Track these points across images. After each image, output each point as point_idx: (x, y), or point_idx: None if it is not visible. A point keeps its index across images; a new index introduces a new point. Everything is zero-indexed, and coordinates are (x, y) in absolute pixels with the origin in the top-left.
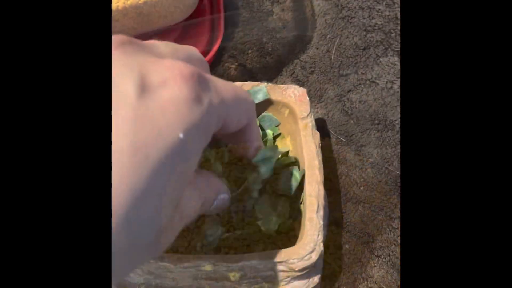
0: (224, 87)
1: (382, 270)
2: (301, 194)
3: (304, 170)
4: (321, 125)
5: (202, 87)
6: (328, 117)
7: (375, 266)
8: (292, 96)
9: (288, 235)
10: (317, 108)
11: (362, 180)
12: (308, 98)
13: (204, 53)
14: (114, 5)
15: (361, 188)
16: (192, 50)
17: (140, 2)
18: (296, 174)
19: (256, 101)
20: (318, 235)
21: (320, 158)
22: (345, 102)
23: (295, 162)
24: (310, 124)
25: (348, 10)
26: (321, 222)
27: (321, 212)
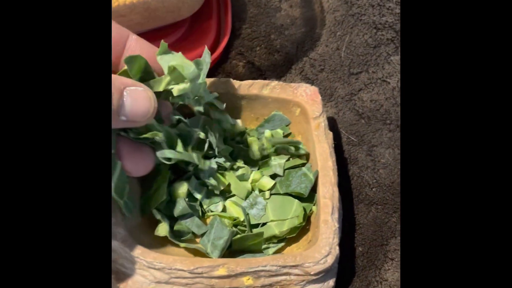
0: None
1: (397, 273)
2: (314, 195)
3: (317, 171)
4: (331, 125)
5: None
6: (338, 116)
7: (389, 269)
8: (303, 95)
9: (301, 237)
10: (327, 107)
11: (374, 181)
12: (320, 97)
13: (211, 50)
14: (121, 0)
15: (374, 189)
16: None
17: None
18: (310, 175)
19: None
20: (334, 238)
21: (334, 158)
22: (356, 101)
23: (306, 156)
24: (323, 124)
25: (358, 7)
26: (336, 225)
27: (336, 215)
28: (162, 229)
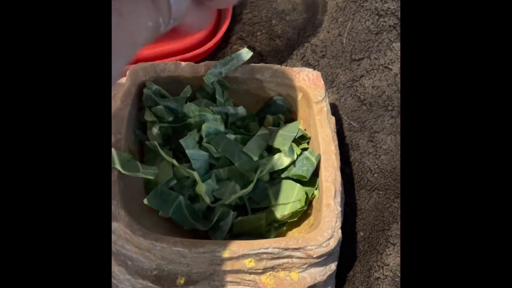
0: None
1: (398, 258)
2: (316, 179)
3: (319, 155)
4: (333, 111)
5: None
6: (340, 102)
7: (390, 254)
8: (305, 79)
9: (302, 221)
10: (329, 93)
11: (376, 167)
12: (323, 82)
13: (212, 34)
14: None
15: (375, 175)
16: None
17: None
18: (312, 158)
19: (240, 62)
20: (336, 221)
21: (336, 143)
22: (358, 88)
23: (307, 138)
24: (325, 109)
25: None
26: (339, 208)
27: (338, 198)
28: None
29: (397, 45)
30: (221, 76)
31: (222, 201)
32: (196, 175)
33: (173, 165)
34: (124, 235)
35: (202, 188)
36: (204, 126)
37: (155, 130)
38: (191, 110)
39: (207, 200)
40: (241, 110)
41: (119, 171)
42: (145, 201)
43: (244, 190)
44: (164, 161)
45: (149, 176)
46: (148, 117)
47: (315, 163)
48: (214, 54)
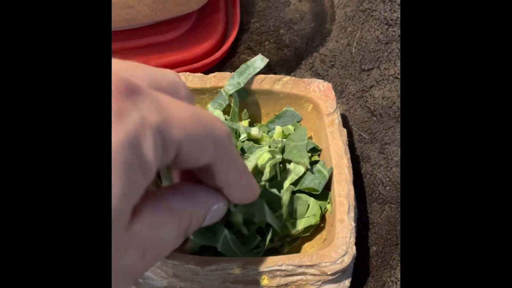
0: (178, 107)
1: None
2: (328, 193)
3: (332, 168)
4: (343, 122)
5: (130, 100)
6: (349, 113)
7: None
8: (316, 91)
9: (315, 236)
10: (338, 103)
11: (387, 179)
12: (334, 93)
13: (219, 44)
14: None
15: (387, 188)
16: (160, 71)
17: None
18: (324, 172)
19: (257, 70)
20: (350, 237)
21: (349, 156)
22: (368, 98)
23: (318, 150)
24: (337, 121)
25: (369, 2)
26: (353, 224)
27: (352, 213)
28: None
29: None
30: (240, 86)
31: (255, 225)
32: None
33: None
34: None
35: (239, 218)
36: None
37: None
38: None
39: (245, 231)
40: (254, 131)
41: None
42: (191, 236)
43: (277, 214)
44: None
45: None
46: None
47: (327, 176)
48: (222, 64)
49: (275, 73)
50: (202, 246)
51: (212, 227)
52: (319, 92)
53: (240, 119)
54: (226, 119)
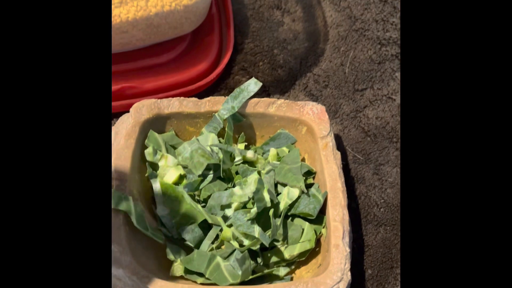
0: None
1: None
2: (323, 217)
3: (326, 192)
4: (337, 142)
5: None
6: (344, 133)
7: None
8: (310, 113)
9: (310, 260)
10: (332, 124)
11: (382, 201)
12: (327, 116)
13: (214, 65)
14: (123, 16)
15: (381, 209)
16: None
17: (151, 13)
18: (319, 196)
19: (251, 94)
20: (345, 263)
21: (343, 179)
22: (361, 118)
23: (312, 173)
24: (331, 144)
25: (362, 22)
26: (348, 249)
27: (347, 239)
28: (178, 269)
29: (400, 75)
30: (234, 110)
31: (245, 247)
32: (221, 221)
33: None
34: (130, 282)
35: (229, 234)
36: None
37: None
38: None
39: (236, 245)
40: (249, 154)
41: (124, 213)
42: (182, 261)
43: (268, 232)
44: (183, 202)
45: (158, 240)
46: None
47: (322, 201)
48: (217, 85)
49: (269, 94)
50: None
51: (203, 255)
52: (312, 114)
53: (236, 142)
54: (221, 142)
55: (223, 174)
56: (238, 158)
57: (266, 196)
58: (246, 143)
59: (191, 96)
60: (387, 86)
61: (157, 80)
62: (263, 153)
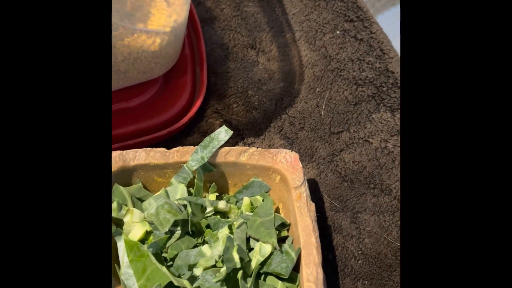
0: None
1: None
2: (296, 275)
3: (300, 249)
4: (313, 188)
5: None
6: (320, 178)
7: None
8: (283, 161)
9: None
10: (308, 168)
11: (360, 252)
12: (301, 165)
13: (187, 108)
14: None
15: (359, 261)
16: None
17: (117, 61)
18: (292, 254)
19: (221, 143)
20: None
21: (317, 234)
22: (338, 163)
23: (287, 226)
24: (305, 194)
25: (337, 62)
26: None
27: None
28: None
29: (376, 117)
30: (204, 161)
31: None
32: (188, 284)
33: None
34: None
35: None
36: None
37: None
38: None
39: None
40: (221, 205)
41: None
42: None
43: None
44: (147, 262)
45: None
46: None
47: (295, 259)
48: (189, 129)
49: (243, 137)
50: None
51: None
52: (286, 163)
53: (207, 192)
54: (191, 193)
55: (193, 228)
56: (209, 209)
57: (236, 257)
58: (218, 193)
59: (164, 140)
60: (364, 129)
61: (128, 125)
62: (237, 202)
